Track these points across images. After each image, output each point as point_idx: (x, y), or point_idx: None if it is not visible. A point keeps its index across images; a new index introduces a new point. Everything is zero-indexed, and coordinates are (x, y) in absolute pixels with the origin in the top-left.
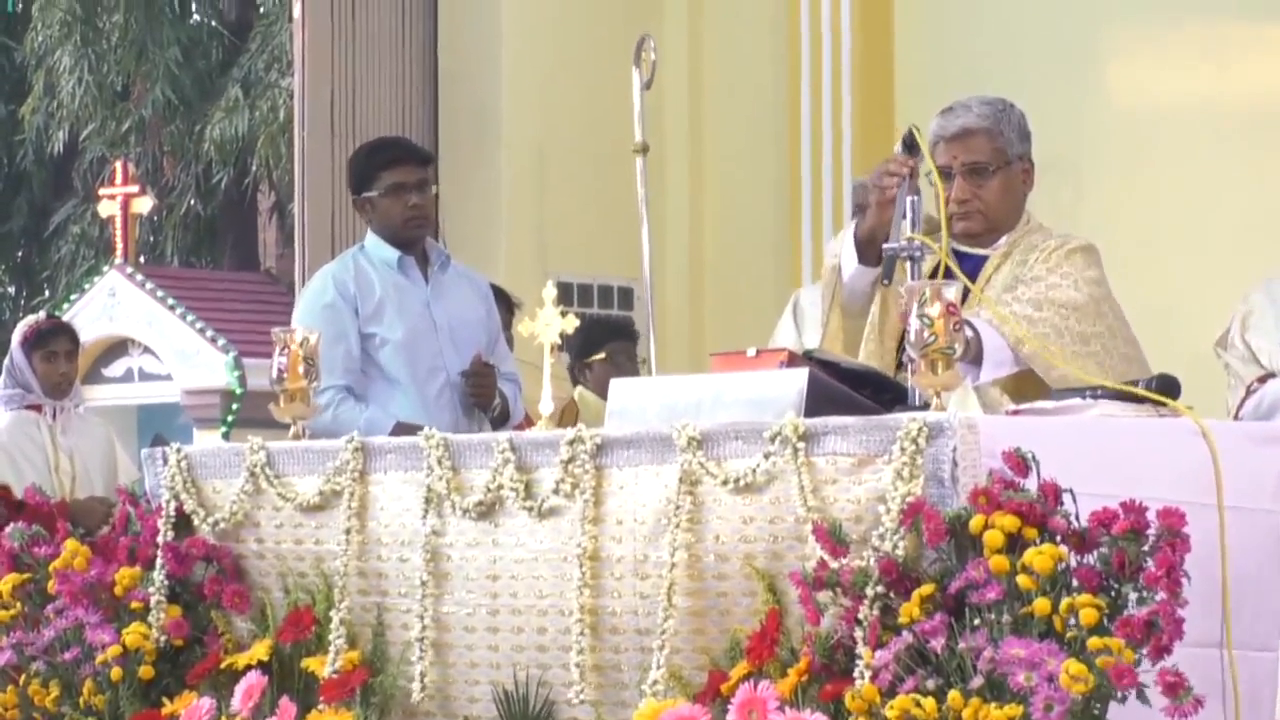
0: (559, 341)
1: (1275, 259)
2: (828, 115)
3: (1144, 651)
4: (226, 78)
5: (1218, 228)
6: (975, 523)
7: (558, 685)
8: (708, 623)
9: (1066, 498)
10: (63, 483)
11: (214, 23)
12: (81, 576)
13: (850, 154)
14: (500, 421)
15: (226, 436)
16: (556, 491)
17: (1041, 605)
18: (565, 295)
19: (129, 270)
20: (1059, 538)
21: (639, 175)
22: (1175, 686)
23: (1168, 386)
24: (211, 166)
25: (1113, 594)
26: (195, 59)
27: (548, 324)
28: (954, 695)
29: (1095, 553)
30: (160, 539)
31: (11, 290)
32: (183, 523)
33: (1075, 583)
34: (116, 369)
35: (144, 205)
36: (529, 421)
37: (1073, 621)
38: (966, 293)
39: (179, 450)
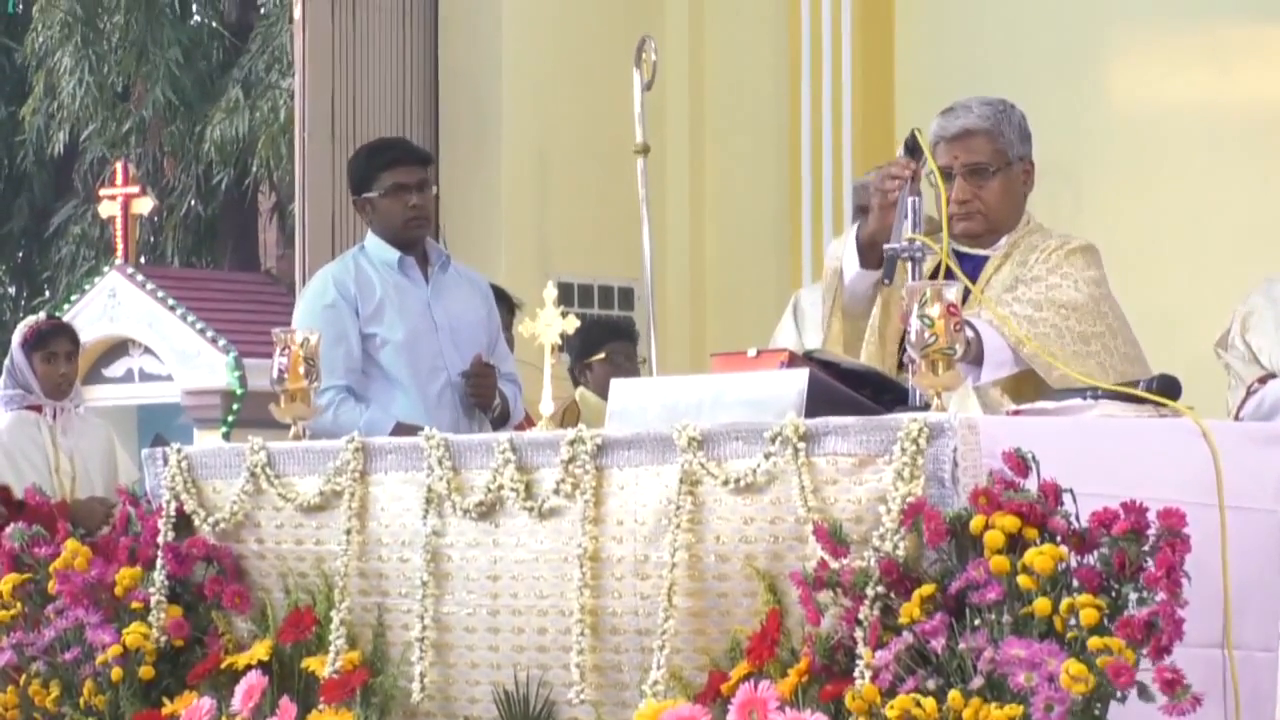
0: (559, 342)
1: (1275, 260)
2: (828, 116)
3: (1144, 652)
4: (227, 79)
5: (1218, 229)
6: (976, 523)
7: (558, 686)
8: (708, 623)
9: (1067, 498)
10: (63, 483)
11: (214, 24)
12: (82, 577)
13: (851, 155)
14: (500, 422)
15: (227, 437)
16: (557, 492)
17: (1042, 605)
18: (566, 296)
19: (129, 271)
20: (1059, 538)
21: (640, 176)
22: (1173, 684)
23: (1168, 387)
24: (212, 167)
25: (1113, 594)
26: (196, 60)
27: (548, 324)
28: (954, 695)
29: (1095, 553)
30: (160, 539)
31: (12, 291)
32: (183, 523)
33: (1075, 583)
34: (117, 369)
35: (144, 206)
36: (530, 422)
37: (1073, 622)
38: (967, 293)
39: (179, 450)
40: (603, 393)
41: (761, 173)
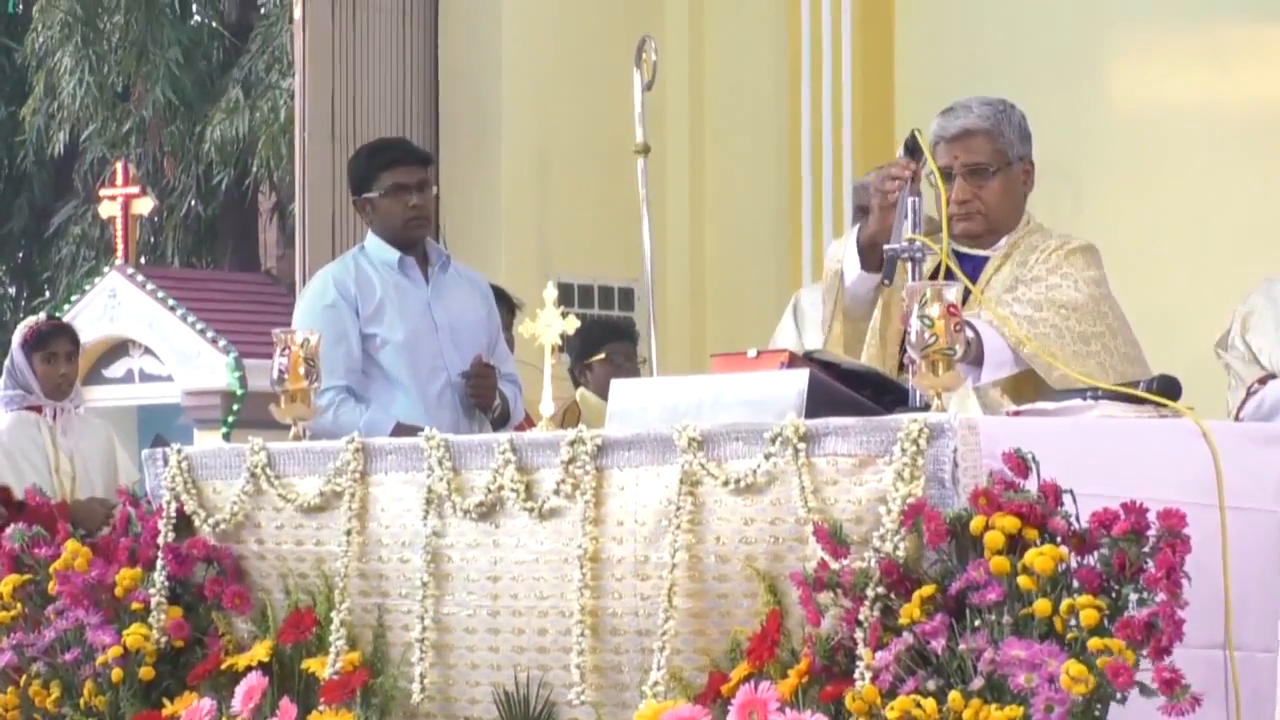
0: (559, 342)
1: (1275, 260)
2: (828, 116)
3: (1144, 652)
4: (227, 79)
5: (1218, 230)
6: (976, 524)
7: (558, 686)
8: (708, 624)
9: (1067, 499)
10: (63, 484)
11: (214, 24)
12: (82, 577)
13: (851, 155)
14: (501, 422)
15: (227, 437)
16: (557, 492)
17: (1042, 606)
18: (566, 296)
19: (129, 271)
20: (1059, 539)
21: (640, 176)
22: (1172, 684)
23: (1168, 387)
24: (212, 167)
25: (1113, 595)
26: (196, 60)
27: (548, 325)
28: (954, 696)
29: (1096, 554)
30: (161, 540)
31: (12, 291)
32: (183, 523)
33: (1076, 584)
34: (117, 370)
35: (144, 206)
36: (530, 422)
37: (1073, 622)
38: (967, 294)
39: (179, 451)
40: (603, 393)
41: (761, 173)
